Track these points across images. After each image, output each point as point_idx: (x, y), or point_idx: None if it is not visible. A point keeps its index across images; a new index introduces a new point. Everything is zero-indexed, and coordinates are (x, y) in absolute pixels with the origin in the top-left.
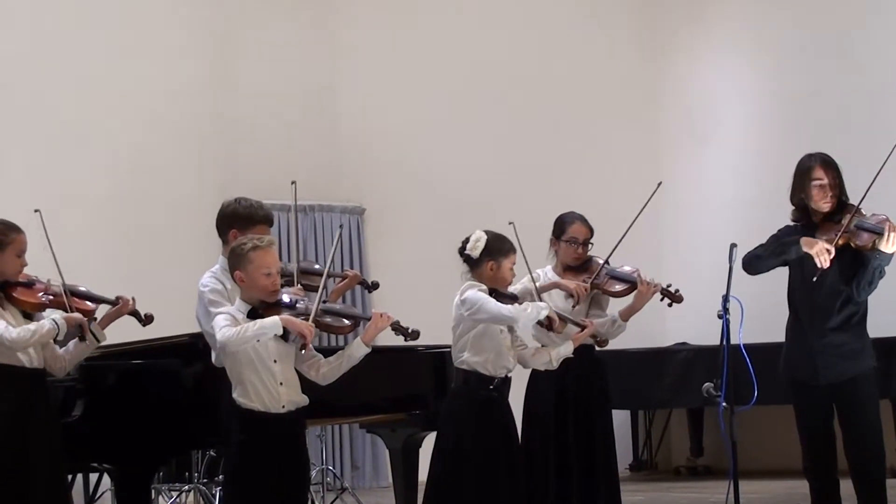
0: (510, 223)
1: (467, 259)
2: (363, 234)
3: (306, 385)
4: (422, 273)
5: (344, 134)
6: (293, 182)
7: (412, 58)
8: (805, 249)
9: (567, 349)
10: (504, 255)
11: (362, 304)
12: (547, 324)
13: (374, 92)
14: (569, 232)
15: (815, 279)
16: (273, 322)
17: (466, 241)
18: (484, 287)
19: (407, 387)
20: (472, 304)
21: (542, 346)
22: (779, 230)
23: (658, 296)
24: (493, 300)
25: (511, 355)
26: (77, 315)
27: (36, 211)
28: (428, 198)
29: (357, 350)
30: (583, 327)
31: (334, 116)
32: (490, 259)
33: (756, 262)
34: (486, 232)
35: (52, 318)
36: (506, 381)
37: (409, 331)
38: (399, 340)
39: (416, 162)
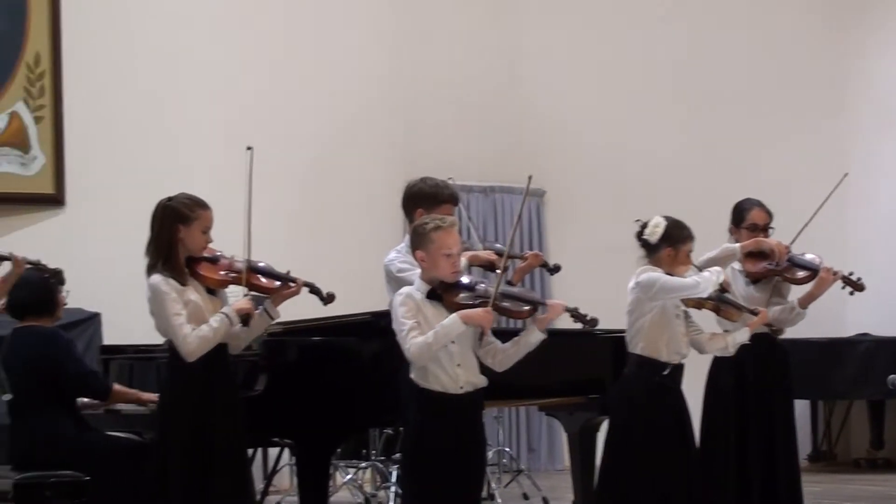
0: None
1: (645, 244)
2: (543, 217)
3: (485, 366)
4: (601, 257)
5: (525, 117)
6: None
7: (595, 43)
8: None
9: (743, 336)
10: (682, 241)
11: (541, 287)
12: (721, 289)
13: (556, 76)
14: (748, 218)
15: None
16: (453, 322)
17: (645, 225)
18: (660, 271)
19: (586, 371)
20: (651, 285)
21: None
22: None
23: (839, 284)
24: (670, 277)
25: (685, 341)
26: (244, 305)
27: (248, 148)
28: (608, 182)
29: (533, 336)
30: (756, 314)
31: (516, 99)
32: (668, 245)
33: None
34: (666, 218)
35: (221, 313)
36: (679, 368)
37: (588, 318)
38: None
39: (597, 146)
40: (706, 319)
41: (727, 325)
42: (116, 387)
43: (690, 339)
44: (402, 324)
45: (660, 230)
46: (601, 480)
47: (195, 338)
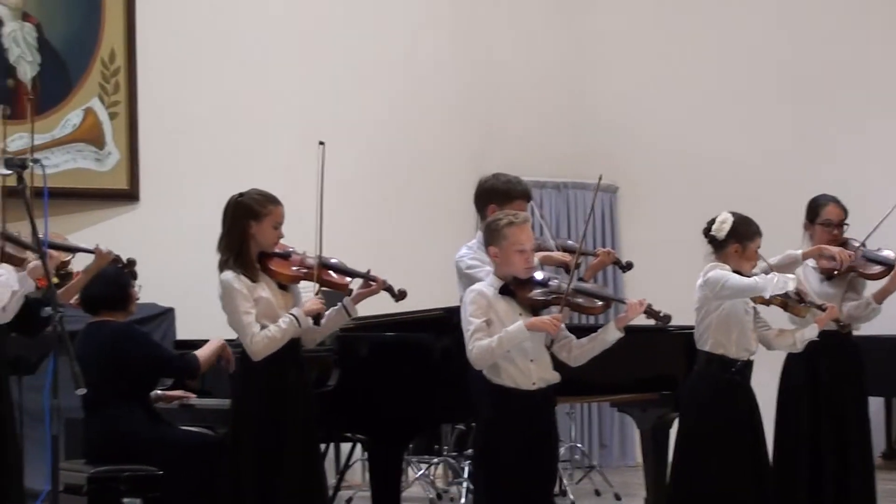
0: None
1: (712, 240)
2: (616, 213)
3: (557, 362)
4: (675, 253)
5: (598, 112)
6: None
7: (668, 37)
8: None
9: (811, 332)
10: (750, 238)
11: (614, 284)
12: (796, 297)
13: (629, 72)
14: (823, 214)
15: None
16: (518, 329)
17: (712, 222)
18: (727, 268)
19: (658, 367)
20: (716, 282)
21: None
22: None
23: None
24: (736, 275)
25: (754, 338)
26: (314, 306)
27: (321, 143)
28: (682, 178)
29: (610, 334)
30: (824, 310)
31: (589, 95)
32: (735, 241)
33: None
34: (733, 214)
35: (290, 314)
36: (748, 365)
37: (661, 314)
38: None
39: (671, 141)
40: (778, 315)
41: (799, 321)
42: (199, 354)
43: (758, 335)
44: (469, 322)
45: (727, 226)
46: (673, 477)
47: (262, 337)
